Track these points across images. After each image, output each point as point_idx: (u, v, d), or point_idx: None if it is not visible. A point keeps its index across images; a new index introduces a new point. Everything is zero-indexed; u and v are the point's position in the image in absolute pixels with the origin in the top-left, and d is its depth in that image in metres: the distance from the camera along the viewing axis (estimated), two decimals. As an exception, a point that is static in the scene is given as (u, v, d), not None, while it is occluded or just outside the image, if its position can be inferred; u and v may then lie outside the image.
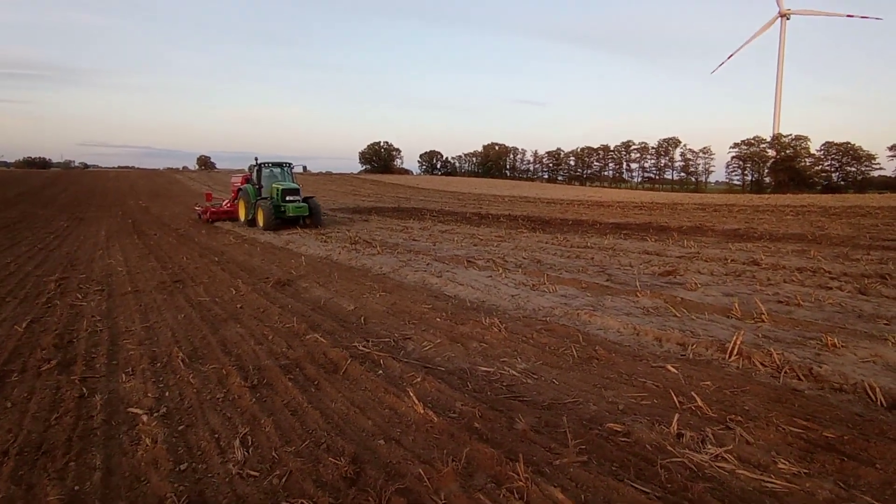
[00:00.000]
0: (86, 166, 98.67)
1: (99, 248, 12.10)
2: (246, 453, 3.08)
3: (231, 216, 18.59)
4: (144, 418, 3.52)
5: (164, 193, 33.75)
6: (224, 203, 20.10)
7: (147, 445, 3.18)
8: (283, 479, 2.81)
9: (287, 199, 15.94)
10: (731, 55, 76.88)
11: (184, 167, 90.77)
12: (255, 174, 17.22)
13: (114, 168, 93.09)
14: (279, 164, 17.58)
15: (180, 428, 3.42)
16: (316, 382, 4.10)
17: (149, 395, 3.91)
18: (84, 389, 4.00)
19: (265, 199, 16.16)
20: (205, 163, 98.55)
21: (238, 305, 6.58)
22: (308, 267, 9.27)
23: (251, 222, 16.68)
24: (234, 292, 7.27)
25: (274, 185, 16.45)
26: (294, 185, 16.57)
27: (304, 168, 18.15)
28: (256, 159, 17.18)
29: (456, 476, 2.73)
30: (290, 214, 15.88)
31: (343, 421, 3.45)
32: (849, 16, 72.15)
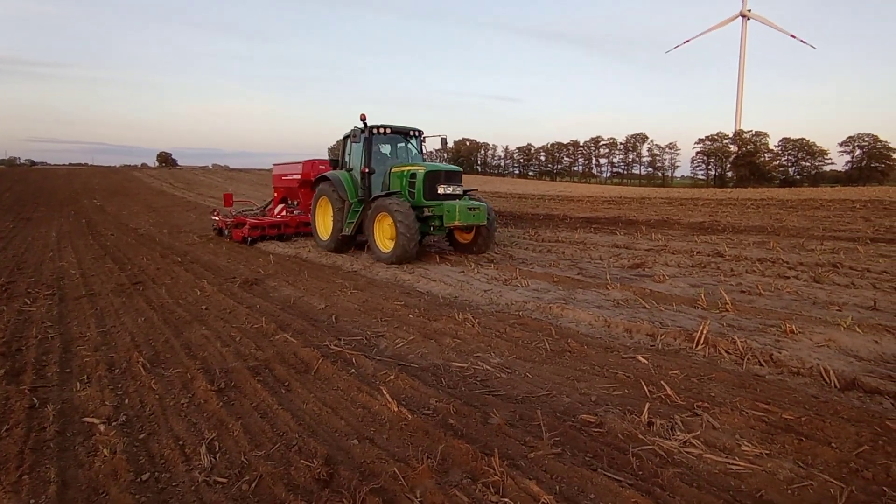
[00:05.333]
0: (33, 163, 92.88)
1: (49, 249, 11.47)
2: (213, 459, 2.96)
3: (286, 231, 12.07)
4: (102, 428, 3.34)
5: (122, 192, 32.31)
6: (274, 210, 12.87)
7: (105, 456, 3.01)
8: (253, 485, 2.72)
9: (439, 192, 8.74)
10: (689, 40, 79.84)
11: (142, 164, 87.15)
12: (359, 149, 9.47)
13: (64, 165, 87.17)
14: (403, 133, 9.86)
15: (141, 436, 3.27)
16: (286, 383, 3.99)
17: (106, 403, 3.72)
18: (35, 399, 3.76)
19: (390, 195, 8.73)
20: (165, 159, 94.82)
21: (203, 307, 6.36)
22: (276, 265, 9.04)
23: (343, 242, 9.61)
24: (198, 293, 7.02)
25: (408, 169, 9.01)
26: (451, 167, 9.36)
27: (444, 142, 10.10)
28: (364, 119, 9.22)
29: (431, 473, 2.70)
30: (458, 223, 8.32)
31: (315, 422, 3.37)
32: (792, 36, 75.35)
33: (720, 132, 74.91)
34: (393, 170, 9.41)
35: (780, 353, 4.09)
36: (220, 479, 2.77)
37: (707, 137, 75.83)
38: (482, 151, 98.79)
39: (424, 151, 10.30)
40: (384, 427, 3.25)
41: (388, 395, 3.51)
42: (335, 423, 3.33)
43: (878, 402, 3.37)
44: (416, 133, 10.08)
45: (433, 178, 8.80)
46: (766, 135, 71.03)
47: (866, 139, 68.52)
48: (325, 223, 10.22)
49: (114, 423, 3.41)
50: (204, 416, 3.50)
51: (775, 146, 71.24)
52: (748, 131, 72.06)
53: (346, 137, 10.14)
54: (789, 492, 2.51)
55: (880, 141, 67.76)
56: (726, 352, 4.24)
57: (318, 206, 10.28)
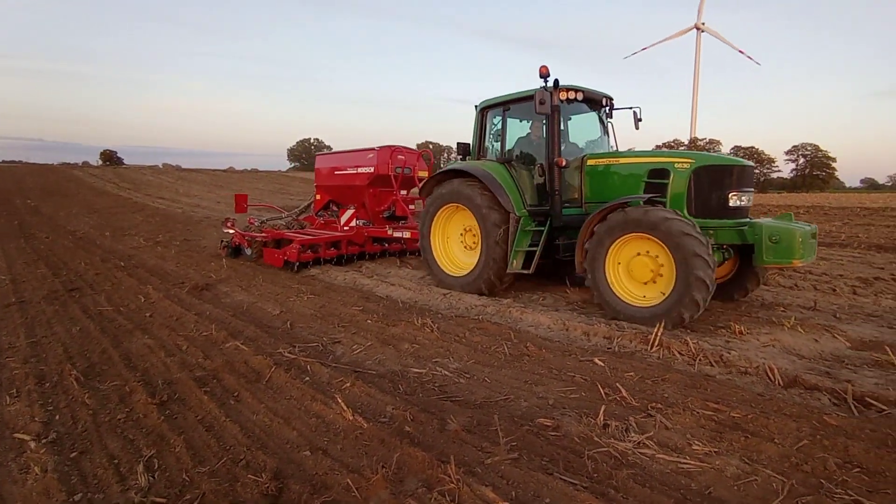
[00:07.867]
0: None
1: (-22, 253, 10.60)
2: (151, 478, 2.76)
3: (350, 251, 8.64)
4: (32, 445, 3.08)
5: (59, 192, 30.23)
6: (340, 219, 9.59)
7: (37, 475, 2.78)
8: (195, 504, 2.55)
9: (731, 205, 5.13)
10: (646, 48, 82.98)
11: (84, 162, 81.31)
12: (535, 127, 6.47)
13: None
14: (594, 101, 6.43)
15: (73, 455, 3.02)
16: (235, 394, 3.80)
17: (36, 419, 3.42)
18: (-46, 417, 3.43)
19: (656, 205, 5.00)
20: (110, 157, 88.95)
21: (147, 314, 6.00)
22: (229, 270, 8.68)
23: (499, 281, 6.22)
24: (142, 300, 6.63)
25: (633, 161, 5.63)
26: (742, 160, 5.40)
27: (637, 116, 6.63)
28: (548, 74, 5.65)
29: (386, 483, 2.62)
30: (797, 262, 4.83)
31: (265, 433, 3.22)
32: (740, 51, 78.82)
33: (676, 139, 78.38)
34: (589, 162, 5.91)
35: (729, 353, 4.24)
36: (157, 500, 2.58)
37: (664, 144, 79.10)
38: (444, 155, 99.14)
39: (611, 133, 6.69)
40: (338, 437, 3.13)
41: (343, 404, 3.40)
42: (286, 435, 3.18)
43: (817, 398, 3.54)
44: (609, 102, 6.58)
45: (717, 178, 5.15)
46: (719, 142, 74.95)
47: (809, 148, 73.52)
48: (447, 248, 6.70)
49: (44, 441, 3.14)
50: (142, 432, 3.27)
51: (728, 153, 75.17)
52: (702, 139, 75.75)
53: (487, 108, 6.53)
54: (735, 487, 2.59)
55: (821, 150, 72.90)
56: (679, 353, 4.37)
57: (438, 219, 6.65)
